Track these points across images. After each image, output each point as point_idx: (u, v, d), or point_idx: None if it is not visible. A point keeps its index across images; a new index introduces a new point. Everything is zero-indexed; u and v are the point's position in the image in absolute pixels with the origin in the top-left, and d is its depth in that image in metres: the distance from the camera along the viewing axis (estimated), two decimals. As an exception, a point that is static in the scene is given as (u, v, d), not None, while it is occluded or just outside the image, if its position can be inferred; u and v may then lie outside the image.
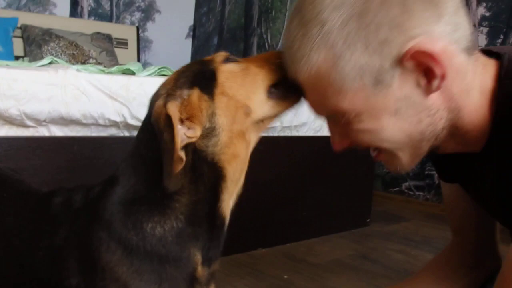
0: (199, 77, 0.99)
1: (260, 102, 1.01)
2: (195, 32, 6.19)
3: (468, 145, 1.02)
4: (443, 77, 0.88)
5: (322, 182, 2.97)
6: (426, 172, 3.94)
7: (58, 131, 2.13)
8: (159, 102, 0.96)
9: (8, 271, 1.05)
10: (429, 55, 0.86)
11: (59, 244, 0.99)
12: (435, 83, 0.89)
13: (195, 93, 0.96)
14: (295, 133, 2.96)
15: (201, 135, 0.96)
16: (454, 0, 0.91)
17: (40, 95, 2.02)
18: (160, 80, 2.16)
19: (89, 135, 2.21)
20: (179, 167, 0.92)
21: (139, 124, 2.22)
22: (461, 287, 1.36)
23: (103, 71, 2.39)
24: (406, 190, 4.14)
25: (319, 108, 1.00)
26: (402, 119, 0.93)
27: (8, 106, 1.95)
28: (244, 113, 0.99)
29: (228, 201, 1.04)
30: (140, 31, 5.52)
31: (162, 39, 5.81)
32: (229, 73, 1.00)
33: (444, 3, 0.89)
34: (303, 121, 2.95)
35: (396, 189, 4.19)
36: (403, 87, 0.90)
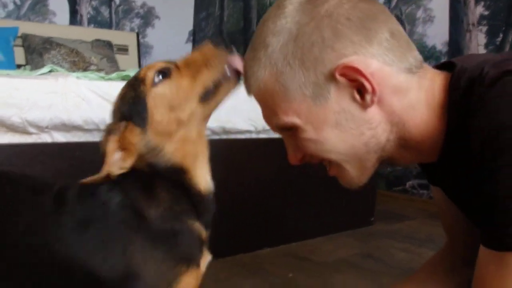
0: (133, 109, 1.12)
1: (192, 112, 1.13)
2: (195, 36, 6.22)
3: (423, 156, 1.08)
4: (374, 92, 0.95)
5: (326, 182, 2.98)
6: (429, 170, 3.95)
7: (60, 137, 2.15)
8: (103, 138, 1.11)
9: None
10: (357, 71, 0.94)
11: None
12: (368, 97, 0.96)
13: (129, 128, 1.10)
14: (272, 135, 2.97)
15: (146, 154, 1.10)
16: (389, 25, 0.99)
17: (42, 103, 2.04)
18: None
19: (91, 141, 2.22)
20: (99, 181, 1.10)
21: (140, 128, 2.24)
22: (454, 286, 1.37)
23: (103, 78, 2.41)
24: (409, 189, 4.14)
25: (270, 122, 1.10)
26: (343, 131, 1.00)
27: (11, 114, 1.97)
28: (179, 124, 1.12)
29: (198, 181, 1.16)
30: (140, 37, 5.54)
31: (162, 44, 5.83)
32: (159, 98, 1.10)
33: (376, 28, 0.97)
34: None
35: (400, 188, 4.19)
36: (340, 101, 0.98)
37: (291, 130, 1.04)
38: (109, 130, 1.11)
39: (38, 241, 1.11)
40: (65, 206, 1.14)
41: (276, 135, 2.70)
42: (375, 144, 1.02)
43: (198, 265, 1.14)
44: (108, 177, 1.09)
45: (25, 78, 2.10)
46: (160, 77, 1.13)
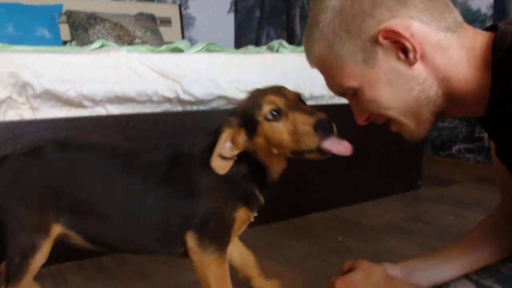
0: (249, 123, 1.44)
1: (279, 153, 1.44)
2: (237, 6, 6.23)
3: (470, 110, 1.15)
4: (415, 51, 1.06)
5: (373, 147, 3.01)
6: (476, 134, 3.93)
7: (114, 110, 2.22)
8: (224, 125, 1.45)
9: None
10: (397, 33, 1.05)
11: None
12: (411, 55, 1.06)
13: (241, 133, 1.45)
14: (343, 101, 2.98)
15: (249, 148, 1.46)
16: None
17: (95, 77, 2.12)
18: (209, 56, 2.25)
19: (144, 112, 2.29)
20: (221, 164, 1.45)
21: (191, 99, 2.30)
22: (503, 246, 1.41)
23: (152, 51, 2.46)
24: (456, 153, 4.13)
25: (333, 88, 1.23)
26: (395, 88, 1.11)
27: (66, 89, 2.05)
28: (270, 150, 1.45)
29: (271, 174, 1.52)
30: (182, 8, 5.58)
31: (204, 15, 5.86)
32: (266, 130, 1.40)
33: None
34: (351, 88, 2.98)
35: (446, 152, 4.18)
36: (388, 61, 1.09)
37: (352, 94, 1.17)
38: (229, 123, 1.45)
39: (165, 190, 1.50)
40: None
41: (325, 101, 2.73)
42: (425, 98, 1.12)
43: (251, 209, 1.52)
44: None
45: (78, 54, 2.16)
46: (273, 114, 1.39)
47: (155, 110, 2.32)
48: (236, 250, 1.75)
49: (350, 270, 1.42)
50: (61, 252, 2.07)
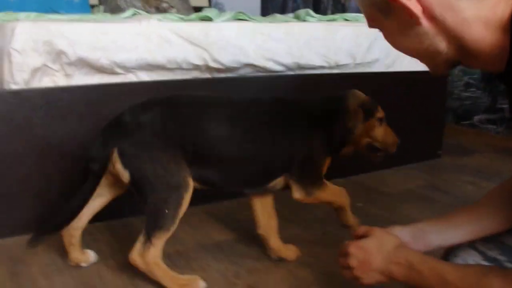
0: (368, 113, 1.90)
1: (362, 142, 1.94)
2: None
3: (488, 66, 1.21)
4: (417, 16, 1.13)
5: (394, 116, 3.05)
6: (498, 105, 3.96)
7: (145, 77, 2.31)
8: (354, 103, 1.91)
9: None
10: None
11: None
12: (414, 19, 1.14)
13: (362, 115, 1.89)
14: (367, 69, 3.05)
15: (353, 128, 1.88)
16: None
17: (127, 45, 2.20)
18: (237, 25, 2.33)
19: (173, 79, 2.38)
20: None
21: (219, 66, 2.38)
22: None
23: (182, 19, 2.54)
24: (477, 123, 4.16)
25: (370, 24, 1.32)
26: (407, 39, 1.22)
27: (99, 57, 2.14)
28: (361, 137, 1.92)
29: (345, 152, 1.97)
30: (209, -27, 5.59)
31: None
32: (372, 124, 1.92)
33: None
34: (375, 57, 3.04)
35: (468, 122, 4.21)
36: (400, 17, 1.17)
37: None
38: (359, 103, 1.91)
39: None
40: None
41: (344, 71, 2.79)
42: (435, 50, 1.20)
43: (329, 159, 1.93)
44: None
45: (110, 23, 2.24)
46: (380, 119, 1.95)
47: (184, 77, 2.40)
48: (263, 208, 1.95)
49: (364, 235, 1.50)
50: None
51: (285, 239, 2.02)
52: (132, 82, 2.27)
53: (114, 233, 2.18)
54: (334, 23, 2.95)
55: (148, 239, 1.67)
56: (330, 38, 2.82)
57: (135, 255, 1.68)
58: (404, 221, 2.30)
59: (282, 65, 2.63)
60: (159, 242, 1.67)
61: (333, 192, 1.94)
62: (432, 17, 1.15)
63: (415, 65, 3.22)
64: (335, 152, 1.94)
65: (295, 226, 2.26)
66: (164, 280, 1.70)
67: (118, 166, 1.68)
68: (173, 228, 1.68)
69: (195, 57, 2.37)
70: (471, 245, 1.48)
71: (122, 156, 1.68)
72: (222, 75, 2.49)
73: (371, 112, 1.90)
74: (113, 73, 2.21)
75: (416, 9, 1.12)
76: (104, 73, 2.21)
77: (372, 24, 1.30)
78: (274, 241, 1.96)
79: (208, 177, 1.79)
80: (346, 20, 3.12)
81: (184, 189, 1.69)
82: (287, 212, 2.24)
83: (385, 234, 1.48)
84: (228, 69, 2.48)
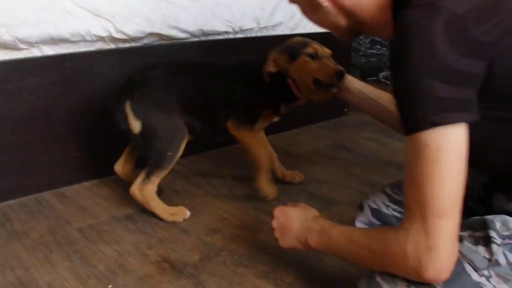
0: (293, 53, 2.04)
1: (306, 81, 2.04)
2: None
3: (382, 35, 1.47)
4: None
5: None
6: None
7: (49, 50, 2.29)
8: (273, 50, 2.09)
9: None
10: None
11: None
12: (317, 1, 1.40)
13: (283, 57, 2.06)
14: (272, 33, 3.10)
15: (283, 68, 2.07)
16: None
17: (30, 20, 2.16)
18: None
19: (78, 51, 2.37)
20: (266, 75, 2.08)
21: (124, 37, 2.39)
22: None
23: (85, -11, 2.52)
24: (383, 79, 4.29)
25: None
26: (317, 16, 1.48)
27: (1, 33, 2.10)
28: (301, 78, 2.05)
29: (296, 92, 2.10)
30: None
31: None
32: (302, 61, 2.02)
33: None
34: (279, 20, 3.09)
35: (374, 78, 4.34)
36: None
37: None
38: (277, 49, 2.08)
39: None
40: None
41: (249, 35, 2.85)
42: (338, 25, 1.45)
43: (273, 112, 2.19)
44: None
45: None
46: (311, 54, 2.01)
47: (89, 49, 2.39)
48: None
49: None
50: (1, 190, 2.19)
51: (194, 207, 2.13)
52: (36, 57, 2.24)
53: (28, 211, 2.18)
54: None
55: (148, 177, 2.03)
56: (234, 4, 2.85)
57: (135, 189, 2.05)
58: (310, 182, 2.44)
59: (187, 32, 2.65)
60: (156, 180, 2.05)
61: (256, 144, 2.19)
62: (333, 0, 1.40)
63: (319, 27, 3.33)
64: (290, 102, 2.18)
65: (206, 191, 2.33)
66: (157, 210, 2.07)
67: (131, 118, 2.02)
68: (169, 168, 2.06)
69: (99, 28, 2.36)
70: (381, 189, 1.71)
71: (133, 107, 2.02)
72: (127, 45, 2.50)
73: (296, 50, 2.04)
74: (16, 48, 2.18)
75: None
76: (7, 49, 2.17)
77: (290, 2, 1.55)
78: (279, 171, 2.47)
79: (192, 125, 2.13)
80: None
81: (182, 135, 2.07)
82: (198, 178, 2.30)
83: (307, 206, 1.63)
84: (133, 39, 2.49)
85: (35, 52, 2.25)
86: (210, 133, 2.21)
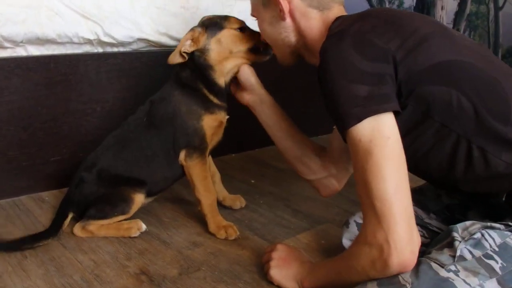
0: (212, 26, 1.95)
1: (235, 53, 1.97)
2: None
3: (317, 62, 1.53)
4: (283, 12, 1.60)
5: (297, 88, 3.11)
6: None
7: (35, 51, 2.24)
8: (189, 31, 1.93)
9: None
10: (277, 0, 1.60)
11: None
12: (282, 14, 1.61)
13: (202, 32, 1.93)
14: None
15: (200, 50, 1.94)
16: None
17: (16, 18, 2.11)
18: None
19: (64, 53, 2.32)
20: (178, 59, 1.94)
21: (112, 41, 2.34)
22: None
23: (75, -10, 2.47)
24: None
25: (252, 14, 1.79)
26: (272, 28, 1.69)
27: (-14, 31, 2.05)
28: (225, 51, 1.95)
29: (220, 78, 1.98)
30: None
31: None
32: (230, 34, 1.96)
33: None
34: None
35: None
36: (273, 11, 1.65)
37: (256, 20, 1.77)
38: (193, 29, 1.93)
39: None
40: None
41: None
42: (288, 41, 1.67)
43: (212, 113, 1.99)
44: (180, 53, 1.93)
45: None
46: (238, 28, 1.96)
47: (75, 51, 2.34)
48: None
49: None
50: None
51: (176, 219, 2.10)
52: (21, 57, 2.19)
53: (4, 214, 2.13)
54: (231, -3, 2.94)
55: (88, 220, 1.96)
56: (226, 12, 2.80)
57: (77, 231, 1.97)
58: (293, 198, 2.40)
59: (177, 39, 2.60)
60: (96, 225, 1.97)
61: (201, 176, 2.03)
62: (293, 17, 1.62)
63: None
64: (214, 91, 2.00)
65: (189, 203, 2.29)
66: (110, 233, 1.98)
67: None
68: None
69: (87, 31, 2.31)
70: None
71: None
72: (115, 49, 2.45)
73: (219, 25, 1.96)
74: (1, 47, 2.13)
75: (286, 8, 1.59)
76: (-8, 47, 2.13)
77: (252, 12, 1.76)
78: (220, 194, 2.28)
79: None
80: (244, -6, 3.12)
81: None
82: (182, 190, 2.26)
83: (305, 253, 1.72)
84: (121, 44, 2.44)
85: (20, 52, 2.20)
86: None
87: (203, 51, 1.94)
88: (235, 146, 2.98)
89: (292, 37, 1.66)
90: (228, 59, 1.96)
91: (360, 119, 1.25)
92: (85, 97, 2.37)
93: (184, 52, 1.92)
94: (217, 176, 2.28)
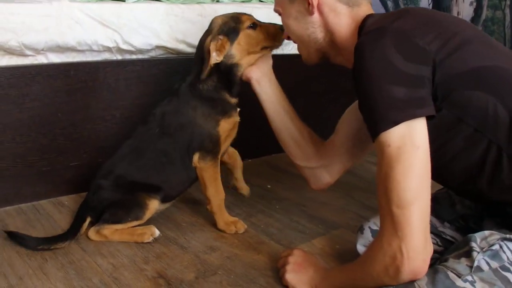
0: (231, 32, 1.97)
1: (255, 50, 2.01)
2: None
3: (348, 63, 1.59)
4: (312, 6, 1.57)
5: (308, 97, 3.12)
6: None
7: (55, 58, 2.28)
8: (208, 40, 1.95)
9: None
10: None
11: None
12: (310, 8, 1.58)
13: (225, 40, 1.95)
14: (279, 51, 3.06)
15: (226, 56, 1.97)
16: None
17: (37, 27, 2.15)
18: (149, 6, 2.32)
19: (84, 60, 2.36)
20: (208, 71, 1.96)
21: (131, 48, 2.38)
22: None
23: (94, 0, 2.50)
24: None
25: (276, 10, 1.75)
26: (298, 23, 1.65)
27: (8, 39, 2.09)
28: (246, 51, 2.00)
29: (241, 75, 2.03)
30: None
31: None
32: (246, 35, 1.98)
33: None
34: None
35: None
36: (300, 6, 1.62)
37: (280, 15, 1.73)
38: (213, 37, 1.95)
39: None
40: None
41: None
42: (314, 38, 1.63)
43: (230, 116, 2.05)
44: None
45: (20, 3, 2.18)
46: (251, 25, 1.99)
47: (95, 58, 2.38)
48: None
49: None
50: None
51: (194, 223, 2.13)
52: (41, 64, 2.23)
53: (25, 218, 2.16)
54: (248, 5, 2.96)
55: (103, 225, 2.00)
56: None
57: (92, 235, 2.00)
58: (309, 203, 2.41)
59: (194, 47, 2.62)
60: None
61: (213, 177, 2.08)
62: (321, 12, 1.58)
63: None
64: (231, 89, 2.06)
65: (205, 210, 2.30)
66: (122, 238, 2.01)
67: None
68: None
69: (106, 38, 2.35)
70: None
71: None
72: (134, 56, 2.48)
73: (235, 29, 1.99)
74: (22, 55, 2.17)
75: (315, 2, 1.56)
76: (13, 55, 2.16)
77: (276, 7, 1.72)
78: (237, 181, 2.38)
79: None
80: (261, 1, 3.14)
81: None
82: (199, 194, 2.29)
83: (320, 259, 1.76)
84: (140, 51, 2.47)
85: (41, 59, 2.24)
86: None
87: (227, 57, 1.98)
88: (251, 152, 2.99)
89: (319, 33, 1.62)
90: (248, 56, 2.00)
91: (396, 123, 1.23)
92: (104, 103, 2.40)
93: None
94: (239, 164, 2.38)
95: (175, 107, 2.05)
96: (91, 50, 2.34)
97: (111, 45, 2.37)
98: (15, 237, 1.91)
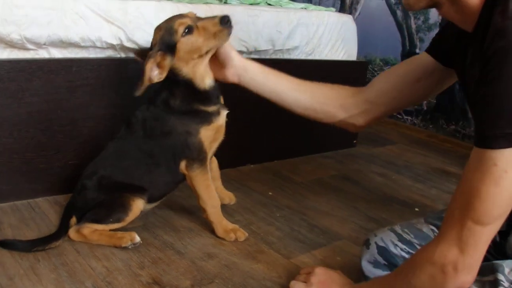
0: (167, 45, 1.84)
1: (198, 56, 1.87)
2: None
3: (464, 20, 1.28)
4: None
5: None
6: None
7: (57, 53, 2.23)
8: (147, 59, 1.81)
9: None
10: None
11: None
12: None
13: (164, 56, 1.83)
14: (286, 56, 3.05)
15: (172, 69, 1.87)
16: None
17: (40, 20, 2.11)
18: (156, 4, 2.27)
19: (87, 57, 2.31)
20: (143, 89, 1.81)
21: (135, 46, 2.33)
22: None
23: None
24: (395, 114, 4.23)
25: None
26: None
27: (10, 31, 2.04)
28: (191, 60, 1.87)
29: (204, 83, 1.94)
30: None
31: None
32: (183, 45, 1.84)
33: None
34: (295, 44, 3.04)
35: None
36: None
37: None
38: (149, 55, 1.81)
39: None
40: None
41: (263, 56, 2.78)
42: None
43: (210, 123, 1.96)
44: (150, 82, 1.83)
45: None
46: (186, 31, 1.83)
47: (98, 55, 2.33)
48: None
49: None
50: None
51: (192, 229, 2.07)
52: (43, 59, 2.18)
53: (20, 216, 2.11)
54: (256, 7, 2.92)
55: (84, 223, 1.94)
56: (251, 23, 2.80)
57: (73, 235, 1.95)
58: (309, 212, 2.37)
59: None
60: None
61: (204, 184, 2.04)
62: None
63: (335, 54, 3.28)
64: (202, 100, 1.96)
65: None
66: (102, 242, 1.94)
67: None
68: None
69: (110, 35, 2.30)
70: (390, 228, 1.67)
71: None
72: (138, 55, 2.44)
73: (170, 41, 1.84)
74: (23, 48, 2.12)
75: None
76: (14, 48, 2.11)
77: None
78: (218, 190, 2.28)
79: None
80: (269, 4, 3.11)
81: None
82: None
83: (344, 275, 1.65)
84: (144, 50, 2.43)
85: (43, 54, 2.19)
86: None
87: (173, 71, 1.89)
88: (253, 157, 2.95)
89: None
90: (198, 62, 1.89)
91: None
92: (106, 102, 2.36)
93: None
94: (217, 174, 2.34)
95: (154, 114, 2.00)
96: (95, 47, 2.30)
97: (115, 42, 2.32)
98: (6, 245, 1.85)
